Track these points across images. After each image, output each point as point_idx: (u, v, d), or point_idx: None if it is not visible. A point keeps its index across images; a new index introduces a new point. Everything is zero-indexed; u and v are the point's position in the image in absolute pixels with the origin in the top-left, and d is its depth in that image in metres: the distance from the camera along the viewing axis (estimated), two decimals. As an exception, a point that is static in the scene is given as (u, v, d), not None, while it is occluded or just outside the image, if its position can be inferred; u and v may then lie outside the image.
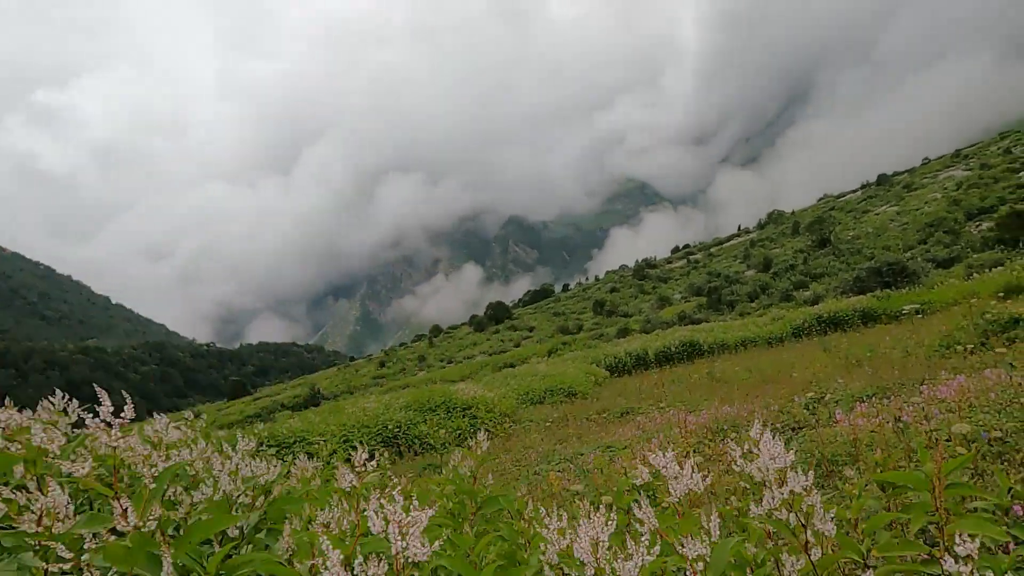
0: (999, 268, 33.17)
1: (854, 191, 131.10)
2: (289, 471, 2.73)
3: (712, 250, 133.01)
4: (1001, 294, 23.51)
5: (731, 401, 11.04)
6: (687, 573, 1.44)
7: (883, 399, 7.73)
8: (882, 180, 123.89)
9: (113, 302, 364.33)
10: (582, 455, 8.58)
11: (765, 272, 76.94)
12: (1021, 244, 38.96)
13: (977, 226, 62.31)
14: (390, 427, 13.77)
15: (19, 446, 1.61)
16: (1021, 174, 79.67)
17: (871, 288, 36.71)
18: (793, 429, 7.34)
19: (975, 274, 33.73)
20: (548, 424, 13.33)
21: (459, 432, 14.04)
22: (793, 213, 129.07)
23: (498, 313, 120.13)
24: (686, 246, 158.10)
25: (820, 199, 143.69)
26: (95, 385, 1.54)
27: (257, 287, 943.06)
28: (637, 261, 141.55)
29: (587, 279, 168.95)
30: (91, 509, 1.94)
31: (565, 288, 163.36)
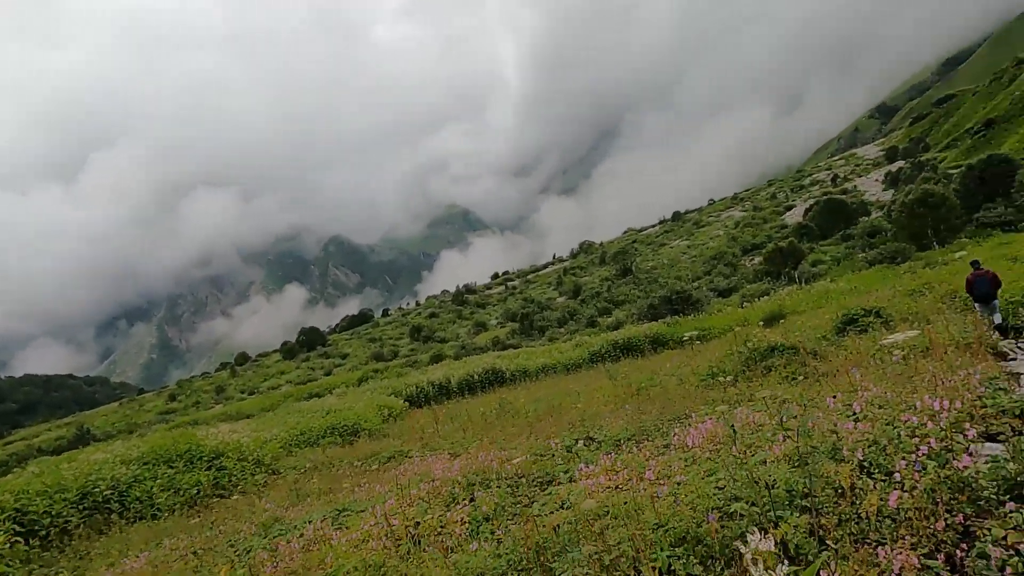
0: (766, 297, 36.96)
1: (653, 226, 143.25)
2: None
3: (529, 277, 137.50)
4: (764, 321, 25.82)
5: (505, 439, 10.08)
6: None
7: (642, 440, 7.02)
8: (676, 217, 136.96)
9: None
10: (309, 522, 6.91)
11: (574, 299, 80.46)
12: (783, 276, 44.02)
13: (751, 260, 70.20)
14: (101, 488, 11.00)
15: None
16: (784, 216, 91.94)
17: (662, 315, 39.15)
18: (543, 484, 6.34)
19: (747, 303, 37.32)
20: (301, 473, 11.44)
21: (198, 489, 11.62)
22: (601, 244, 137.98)
23: (312, 339, 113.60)
24: (505, 272, 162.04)
25: (625, 232, 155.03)
26: None
27: (31, 309, 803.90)
28: (457, 287, 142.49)
29: (416, 303, 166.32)
30: None
31: (385, 313, 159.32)
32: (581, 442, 7.85)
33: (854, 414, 5.16)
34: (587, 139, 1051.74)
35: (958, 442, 3.90)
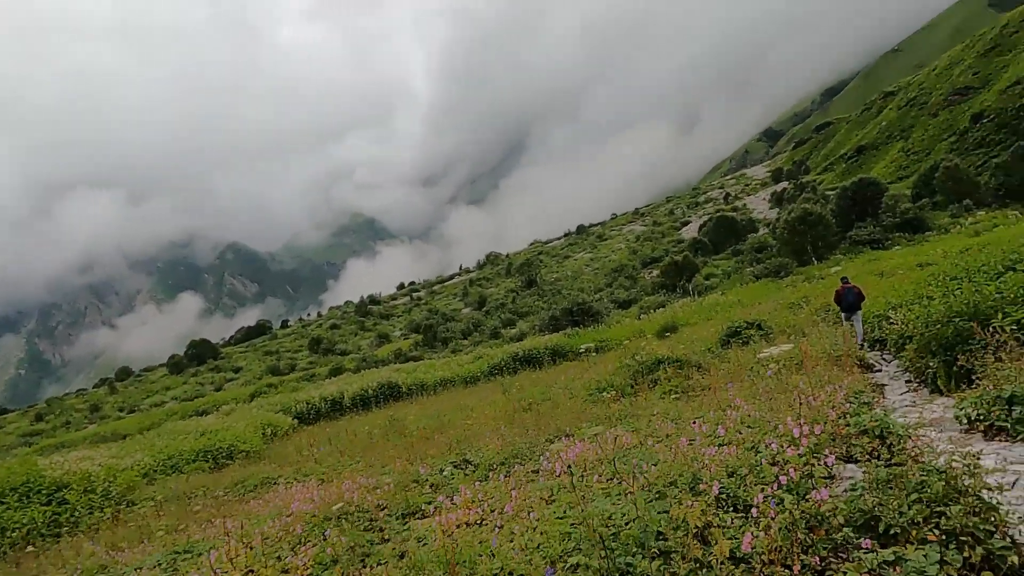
0: (662, 309, 38.07)
1: (558, 239, 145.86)
2: None
3: (435, 288, 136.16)
4: (658, 333, 26.41)
5: (383, 462, 9.43)
6: None
7: (516, 464, 6.60)
8: (581, 230, 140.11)
9: None
10: (139, 569, 5.99)
11: (479, 310, 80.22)
12: (678, 288, 45.61)
13: (650, 273, 72.54)
14: (-97, 533, 9.40)
15: None
16: (681, 231, 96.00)
17: (563, 326, 39.46)
18: (405, 517, 5.78)
19: (644, 315, 38.30)
20: (156, 506, 10.26)
21: (29, 528, 10.16)
22: (508, 256, 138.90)
23: (202, 352, 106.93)
24: (411, 283, 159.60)
25: (531, 244, 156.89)
26: None
27: None
28: (361, 297, 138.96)
29: (318, 314, 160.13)
30: None
31: (284, 324, 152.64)
32: (452, 468, 7.35)
33: (719, 437, 4.97)
34: (496, 151, 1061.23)
35: (818, 470, 3.71)
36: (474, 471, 6.95)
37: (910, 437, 4.35)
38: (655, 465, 4.33)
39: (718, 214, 78.49)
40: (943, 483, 3.27)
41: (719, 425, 5.31)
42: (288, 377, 65.64)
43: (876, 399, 7.48)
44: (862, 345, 11.43)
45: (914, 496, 3.25)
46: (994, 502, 3.23)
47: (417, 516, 5.50)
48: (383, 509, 6.00)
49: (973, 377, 6.97)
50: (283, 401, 28.01)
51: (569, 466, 4.10)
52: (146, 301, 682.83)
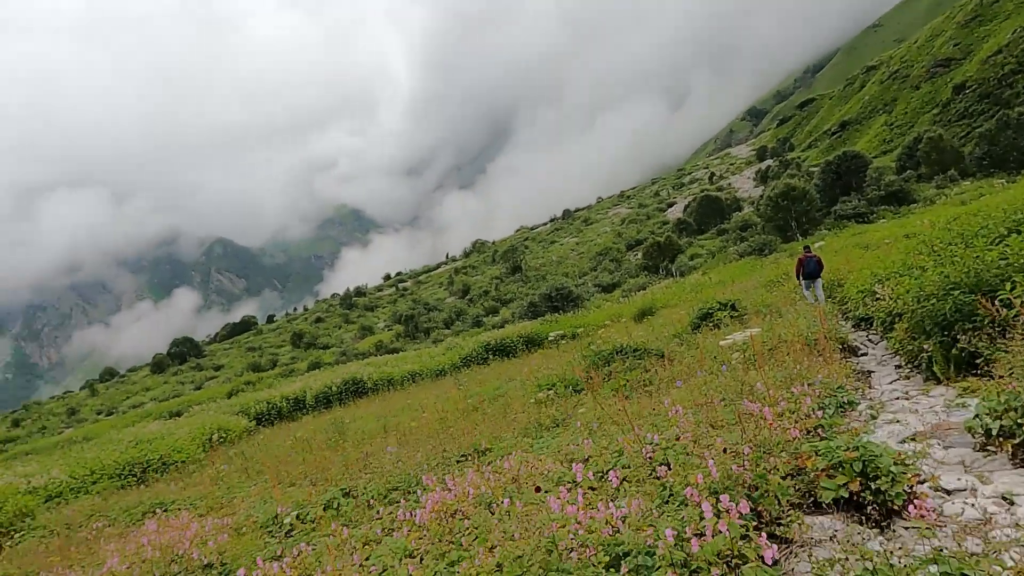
0: (643, 292, 36.81)
1: (544, 224, 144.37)
2: None
3: (422, 277, 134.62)
4: (636, 316, 25.13)
5: (286, 482, 8.04)
6: None
7: (409, 493, 5.20)
8: (567, 215, 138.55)
9: None
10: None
11: (463, 298, 78.82)
12: (660, 270, 44.34)
13: (635, 255, 71.32)
14: None
15: None
16: (666, 212, 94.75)
17: (542, 312, 38.11)
18: None
19: (626, 297, 37.04)
20: (39, 539, 8.83)
21: None
22: (494, 243, 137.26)
23: (185, 351, 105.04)
24: (398, 273, 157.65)
25: (517, 230, 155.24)
26: None
27: None
28: (347, 289, 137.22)
29: (305, 307, 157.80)
30: None
31: (270, 319, 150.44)
32: (339, 495, 5.95)
33: (627, 471, 3.58)
34: (481, 136, 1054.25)
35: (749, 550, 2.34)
36: (348, 505, 5.58)
37: (906, 475, 3.00)
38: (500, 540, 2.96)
39: (703, 194, 77.16)
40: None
41: (645, 448, 3.91)
42: (267, 374, 64.20)
43: (863, 389, 6.15)
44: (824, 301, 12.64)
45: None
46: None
47: None
48: (207, 568, 4.63)
49: (977, 362, 5.64)
50: (243, 402, 26.52)
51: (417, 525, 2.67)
52: (140, 299, 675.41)
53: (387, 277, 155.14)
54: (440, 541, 3.47)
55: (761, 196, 59.22)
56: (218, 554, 4.87)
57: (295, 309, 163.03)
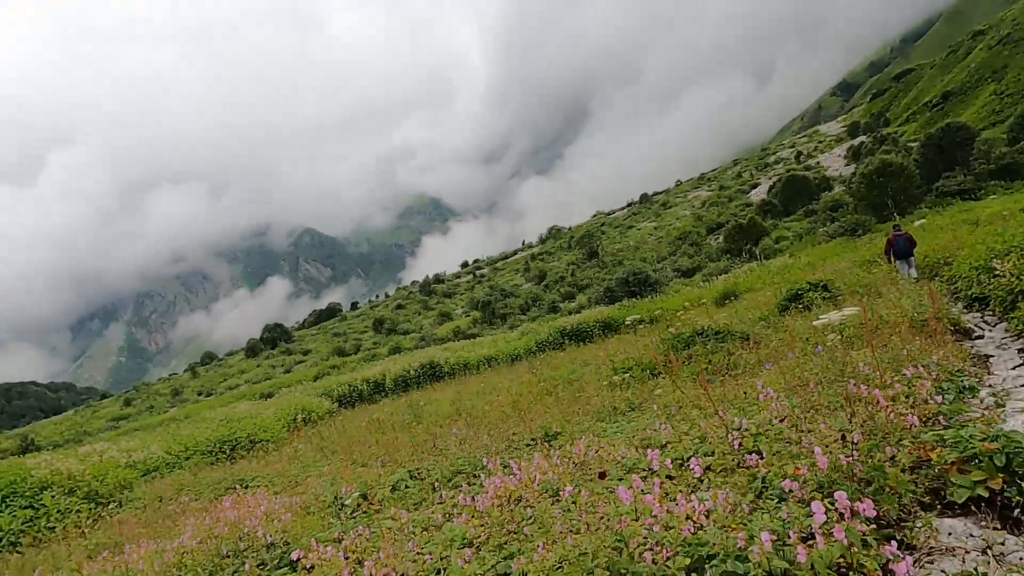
0: (724, 275, 35.40)
1: (621, 209, 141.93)
2: None
3: (498, 264, 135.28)
4: (717, 300, 24.14)
5: (356, 463, 8.07)
6: None
7: (474, 477, 4.98)
8: (644, 199, 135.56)
9: None
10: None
11: (539, 284, 78.63)
12: (744, 253, 42.53)
13: (715, 239, 68.84)
14: None
15: None
16: (749, 194, 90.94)
17: (619, 297, 37.36)
18: (278, 566, 4.25)
19: (707, 282, 35.73)
20: (137, 510, 9.27)
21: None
22: (570, 229, 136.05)
23: (276, 336, 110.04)
24: (475, 260, 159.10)
25: (594, 215, 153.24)
26: None
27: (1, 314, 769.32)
28: (426, 276, 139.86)
29: (386, 295, 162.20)
30: None
31: (354, 306, 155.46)
32: (407, 477, 5.82)
33: (712, 460, 3.17)
34: (557, 121, 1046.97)
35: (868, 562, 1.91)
36: (418, 484, 5.42)
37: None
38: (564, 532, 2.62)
39: (788, 174, 73.41)
40: None
41: (731, 435, 3.46)
42: (351, 358, 66.34)
43: (982, 376, 5.42)
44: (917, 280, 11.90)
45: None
46: None
47: (305, 558, 3.93)
48: (271, 548, 4.56)
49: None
50: (326, 385, 27.37)
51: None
52: (236, 287, 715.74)
53: (464, 264, 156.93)
54: (501, 529, 3.22)
55: (853, 174, 55.71)
56: (282, 533, 4.83)
57: (377, 296, 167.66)
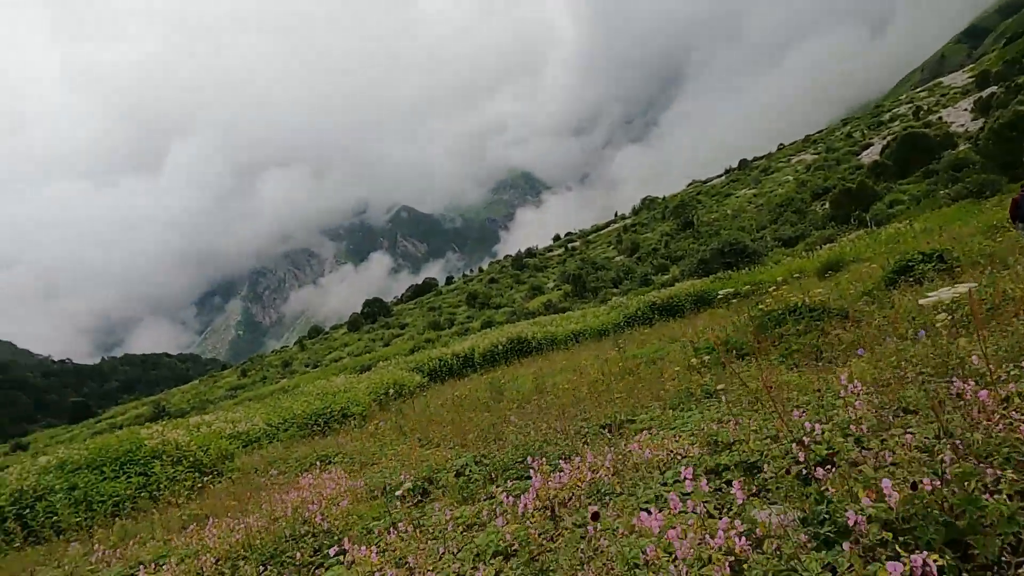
0: (830, 245, 33.13)
1: (719, 176, 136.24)
2: None
3: (591, 237, 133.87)
4: (819, 272, 22.62)
5: (436, 439, 8.13)
6: None
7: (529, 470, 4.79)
8: (743, 165, 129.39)
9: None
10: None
11: (631, 257, 77.10)
12: (852, 220, 39.61)
13: (822, 205, 64.65)
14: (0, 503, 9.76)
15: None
16: (860, 155, 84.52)
17: (714, 269, 35.92)
18: (322, 561, 4.21)
19: (810, 251, 33.57)
20: (232, 480, 9.83)
21: (113, 499, 10.22)
22: (664, 199, 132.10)
23: (375, 310, 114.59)
24: (568, 234, 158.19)
25: (689, 184, 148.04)
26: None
27: (136, 292, 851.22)
28: (519, 251, 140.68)
29: (479, 269, 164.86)
30: None
31: (449, 281, 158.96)
32: (471, 463, 5.71)
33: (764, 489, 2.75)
34: (651, 86, 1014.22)
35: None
36: (483, 470, 5.29)
37: None
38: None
39: (905, 132, 67.45)
40: None
41: (803, 436, 2.98)
42: (445, 332, 68.02)
43: None
44: None
45: None
46: None
47: (338, 556, 3.84)
48: (328, 534, 4.57)
49: None
50: (419, 359, 28.06)
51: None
52: (336, 265, 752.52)
53: (557, 238, 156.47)
54: (538, 537, 3.00)
55: (981, 129, 50.40)
56: (343, 518, 4.86)
57: (472, 270, 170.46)
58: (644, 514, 2.18)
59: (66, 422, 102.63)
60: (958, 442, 2.41)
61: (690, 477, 2.46)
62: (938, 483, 2.08)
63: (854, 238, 30.48)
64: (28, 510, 9.93)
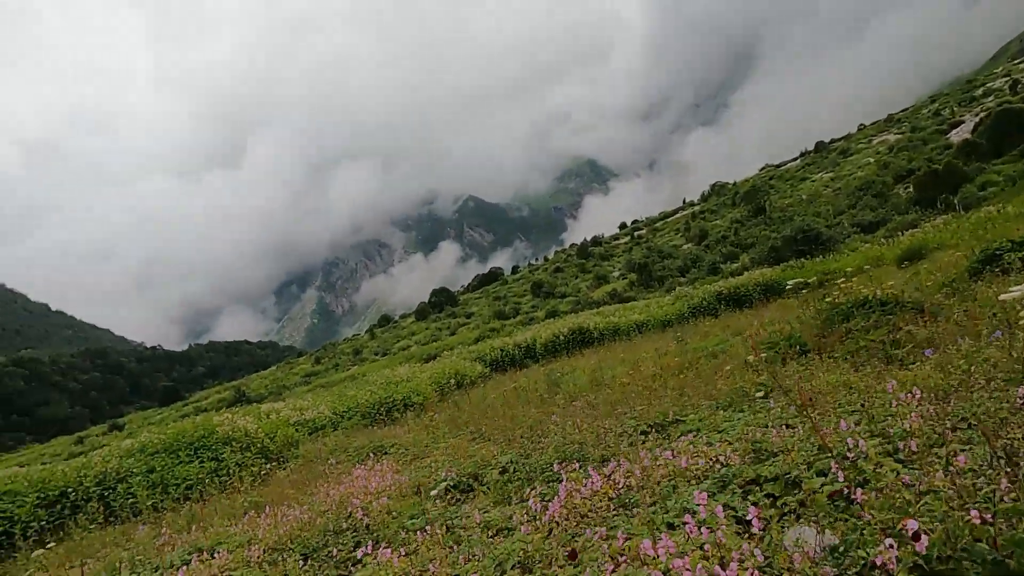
0: (913, 231, 31.29)
1: (793, 159, 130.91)
2: None
3: (657, 225, 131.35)
4: (900, 261, 21.41)
5: (487, 433, 8.17)
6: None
7: (567, 467, 4.71)
8: (819, 148, 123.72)
9: (52, 309, 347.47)
10: (157, 569, 5.41)
11: (699, 245, 75.19)
12: (939, 204, 37.24)
13: (905, 188, 61.08)
14: (86, 485, 10.46)
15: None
16: (949, 134, 79.24)
17: (786, 257, 34.57)
18: (352, 561, 4.25)
19: (890, 238, 31.79)
20: (297, 467, 10.18)
21: (186, 483, 10.78)
22: (735, 184, 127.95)
23: (442, 300, 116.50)
24: (634, 221, 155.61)
25: (762, 168, 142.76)
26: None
27: (220, 282, 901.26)
28: (584, 239, 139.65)
29: (545, 258, 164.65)
30: None
31: (515, 270, 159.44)
32: (517, 457, 5.68)
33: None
34: (721, 67, 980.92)
35: None
36: (522, 470, 5.25)
37: None
38: None
39: (1001, 108, 62.70)
40: None
41: (848, 451, 2.72)
42: (510, 321, 68.39)
43: None
44: None
45: None
46: None
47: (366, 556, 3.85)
48: (368, 530, 4.62)
49: None
50: (481, 349, 28.28)
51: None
52: (405, 255, 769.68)
53: (623, 226, 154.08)
54: (561, 549, 2.92)
55: (1090, 102, 46.19)
56: (385, 513, 4.93)
57: (537, 259, 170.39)
58: (646, 542, 2.04)
59: (157, 404, 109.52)
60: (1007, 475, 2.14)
61: (703, 503, 2.28)
62: (989, 516, 1.85)
63: (939, 223, 28.66)
64: (110, 491, 10.60)
